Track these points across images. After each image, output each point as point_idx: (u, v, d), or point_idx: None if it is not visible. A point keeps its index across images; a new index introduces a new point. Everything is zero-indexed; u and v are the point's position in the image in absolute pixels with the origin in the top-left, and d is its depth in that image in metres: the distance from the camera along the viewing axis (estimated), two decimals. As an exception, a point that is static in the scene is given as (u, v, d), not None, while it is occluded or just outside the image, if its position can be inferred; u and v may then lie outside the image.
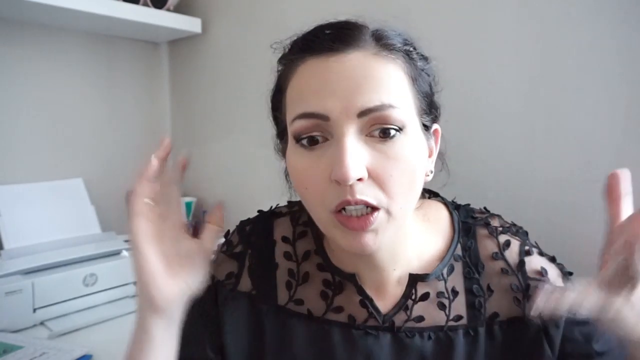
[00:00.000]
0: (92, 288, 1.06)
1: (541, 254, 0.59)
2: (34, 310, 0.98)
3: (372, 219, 0.47)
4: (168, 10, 1.31)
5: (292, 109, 0.50)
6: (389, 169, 0.47)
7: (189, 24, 1.35)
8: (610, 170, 0.70)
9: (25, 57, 1.24)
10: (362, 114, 0.46)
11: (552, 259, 0.59)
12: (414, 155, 0.49)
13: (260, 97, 1.38)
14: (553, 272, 0.57)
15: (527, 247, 0.57)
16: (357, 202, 0.46)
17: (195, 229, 1.53)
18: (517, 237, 0.58)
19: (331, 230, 0.50)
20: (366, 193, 0.46)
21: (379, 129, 0.47)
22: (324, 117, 0.47)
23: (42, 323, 1.00)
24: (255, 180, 1.31)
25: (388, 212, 0.48)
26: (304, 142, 0.49)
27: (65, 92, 1.32)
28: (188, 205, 1.42)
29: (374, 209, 0.47)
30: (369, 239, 0.48)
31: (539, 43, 0.76)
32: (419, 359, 0.54)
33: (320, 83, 0.48)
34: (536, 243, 0.60)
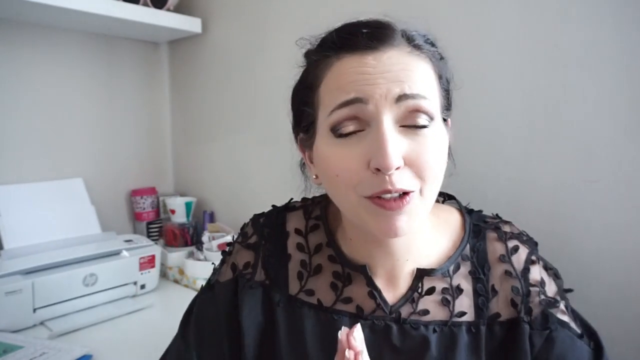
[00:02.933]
0: (92, 288, 1.06)
1: (546, 267, 0.61)
2: (34, 310, 0.98)
3: (407, 198, 0.49)
4: (168, 10, 1.31)
5: (330, 101, 0.51)
6: (423, 157, 0.49)
7: (189, 24, 1.35)
8: (611, 170, 0.70)
9: (25, 57, 1.24)
10: (400, 99, 0.48)
11: (556, 275, 0.61)
12: (442, 144, 0.52)
13: (260, 97, 1.39)
14: (552, 287, 0.59)
15: (533, 257, 0.59)
16: (396, 191, 0.48)
17: (195, 229, 1.53)
18: (526, 245, 0.60)
19: (362, 215, 0.52)
20: (403, 182, 0.48)
21: (412, 119, 0.49)
22: (363, 101, 0.49)
23: (42, 323, 1.00)
24: (255, 180, 1.31)
25: (421, 193, 0.50)
26: (341, 131, 0.50)
27: (65, 92, 1.32)
28: (188, 205, 1.42)
29: (409, 191, 0.49)
30: (402, 221, 0.50)
31: (539, 43, 0.76)
32: (424, 351, 0.55)
33: (359, 75, 0.49)
34: (543, 258, 0.62)
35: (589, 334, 0.59)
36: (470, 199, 0.70)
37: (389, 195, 0.48)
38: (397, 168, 0.47)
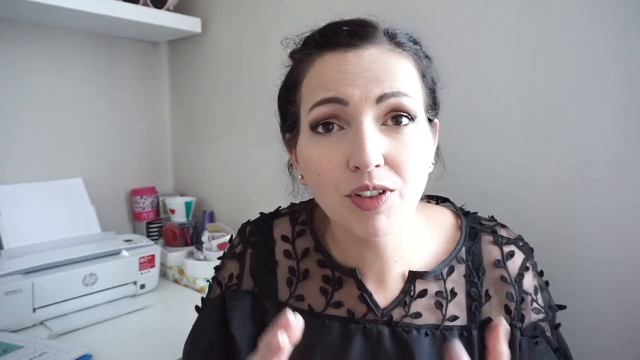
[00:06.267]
0: (92, 288, 1.06)
1: (540, 274, 0.61)
2: (34, 310, 0.98)
3: (384, 198, 0.48)
4: (168, 10, 1.31)
5: (311, 98, 0.51)
6: (404, 155, 0.48)
7: (189, 24, 1.35)
8: (611, 170, 0.70)
9: (25, 57, 1.24)
10: (380, 99, 0.48)
11: (547, 284, 0.61)
12: (424, 144, 0.51)
13: (260, 97, 1.39)
14: (542, 297, 0.59)
15: (529, 264, 0.59)
16: (375, 188, 0.47)
17: (195, 229, 1.53)
18: (522, 251, 0.60)
19: (344, 215, 0.51)
20: (383, 178, 0.48)
21: (394, 117, 0.49)
22: (344, 102, 0.48)
23: (42, 323, 1.00)
24: (254, 180, 1.31)
25: (401, 194, 0.49)
26: (320, 129, 0.50)
27: (65, 92, 1.32)
28: (188, 205, 1.42)
29: (388, 190, 0.48)
30: (382, 222, 0.49)
31: (538, 43, 0.76)
32: (417, 355, 0.55)
33: (340, 74, 0.49)
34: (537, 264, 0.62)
35: (563, 349, 0.60)
36: (469, 199, 0.70)
37: (368, 193, 0.48)
38: (377, 166, 0.47)
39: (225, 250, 0.68)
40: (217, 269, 0.68)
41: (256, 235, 0.65)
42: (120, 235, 1.25)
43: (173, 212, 1.41)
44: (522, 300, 0.57)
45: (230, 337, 0.61)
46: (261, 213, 0.69)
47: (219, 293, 0.65)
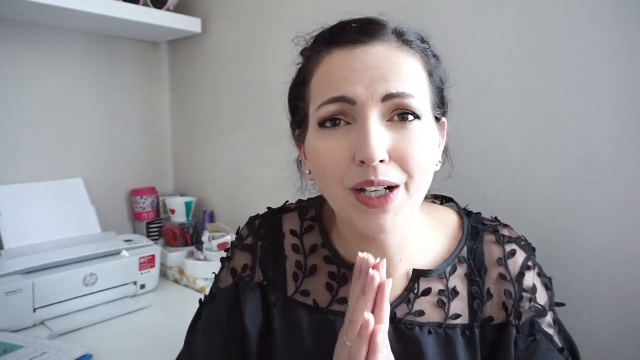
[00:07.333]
0: (92, 288, 1.07)
1: (540, 275, 0.61)
2: (34, 310, 0.98)
3: (392, 196, 0.49)
4: (168, 10, 1.31)
5: (319, 96, 0.52)
6: (409, 150, 0.49)
7: (189, 24, 1.35)
8: (611, 170, 0.70)
9: (25, 57, 1.24)
10: (386, 98, 0.49)
11: (547, 285, 0.61)
12: (430, 141, 0.52)
13: (260, 97, 1.39)
14: (543, 296, 0.59)
15: (530, 262, 0.59)
16: (379, 183, 0.48)
17: (195, 229, 1.53)
18: (524, 250, 0.60)
19: (348, 210, 0.52)
20: (388, 174, 0.48)
21: (399, 115, 0.50)
22: (351, 102, 0.49)
23: (42, 323, 1.00)
24: (254, 180, 1.31)
25: (407, 189, 0.50)
26: (328, 124, 0.51)
27: (65, 92, 1.32)
28: (188, 205, 1.42)
29: (394, 187, 0.49)
30: (387, 220, 0.50)
31: (539, 42, 0.76)
32: (420, 352, 0.55)
33: (348, 71, 0.50)
34: (540, 266, 0.62)
35: (570, 348, 0.60)
36: (469, 199, 0.70)
37: (372, 189, 0.49)
38: (382, 161, 0.48)
39: (234, 241, 0.68)
40: (226, 259, 0.68)
41: (265, 228, 0.65)
42: (120, 235, 1.25)
43: (173, 212, 1.41)
44: (521, 298, 0.57)
45: (242, 327, 0.61)
46: (269, 207, 0.69)
47: (231, 282, 0.65)
